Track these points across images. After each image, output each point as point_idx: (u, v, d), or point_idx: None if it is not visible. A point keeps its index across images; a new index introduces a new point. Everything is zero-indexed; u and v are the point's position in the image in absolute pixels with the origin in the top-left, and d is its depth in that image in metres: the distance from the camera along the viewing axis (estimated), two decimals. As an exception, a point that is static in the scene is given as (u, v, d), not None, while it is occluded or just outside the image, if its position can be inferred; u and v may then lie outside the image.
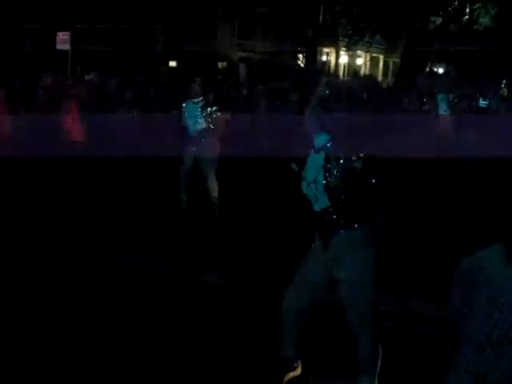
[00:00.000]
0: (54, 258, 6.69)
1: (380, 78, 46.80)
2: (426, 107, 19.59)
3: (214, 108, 8.46)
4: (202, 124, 8.41)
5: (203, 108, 8.41)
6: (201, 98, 8.49)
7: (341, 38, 43.10)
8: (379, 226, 3.91)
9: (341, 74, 46.79)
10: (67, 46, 19.64)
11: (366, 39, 40.77)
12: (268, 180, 10.49)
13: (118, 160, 10.90)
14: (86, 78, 18.87)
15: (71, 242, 7.25)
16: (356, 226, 3.91)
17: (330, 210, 3.91)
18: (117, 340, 4.93)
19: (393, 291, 5.72)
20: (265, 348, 4.69)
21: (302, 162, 4.06)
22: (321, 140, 3.97)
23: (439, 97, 16.85)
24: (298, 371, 4.37)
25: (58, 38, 19.88)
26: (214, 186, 8.61)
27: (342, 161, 3.85)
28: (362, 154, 3.84)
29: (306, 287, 4.13)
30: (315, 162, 3.97)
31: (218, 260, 6.80)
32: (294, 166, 4.10)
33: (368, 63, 51.53)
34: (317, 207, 4.00)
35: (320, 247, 4.05)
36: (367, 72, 47.93)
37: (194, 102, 8.50)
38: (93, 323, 5.18)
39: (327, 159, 3.90)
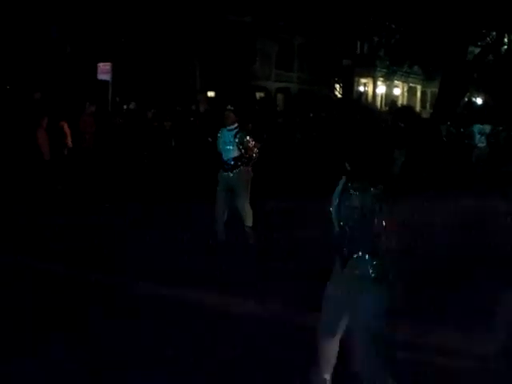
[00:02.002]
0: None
1: (418, 108, 46.72)
2: (463, 138, 19.55)
3: (248, 136, 8.55)
4: (234, 151, 8.53)
5: (236, 136, 8.52)
6: (234, 126, 8.60)
7: (378, 69, 43.24)
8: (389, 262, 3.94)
9: (378, 104, 46.86)
10: (108, 77, 20.05)
11: (404, 69, 40.79)
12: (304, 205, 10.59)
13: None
14: (125, 107, 19.23)
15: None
16: (366, 259, 3.94)
17: (341, 237, 3.98)
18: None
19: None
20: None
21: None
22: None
23: (476, 127, 16.85)
24: None
25: (99, 68, 20.31)
26: (247, 214, 8.65)
27: (357, 195, 3.90)
28: (373, 196, 3.88)
29: (333, 313, 4.14)
30: (337, 188, 4.06)
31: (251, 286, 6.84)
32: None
33: (406, 93, 51.52)
34: (336, 231, 4.07)
35: (339, 270, 4.09)
36: (405, 102, 47.92)
37: (227, 130, 8.63)
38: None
39: (344, 190, 3.97)
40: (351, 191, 3.94)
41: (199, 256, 8.11)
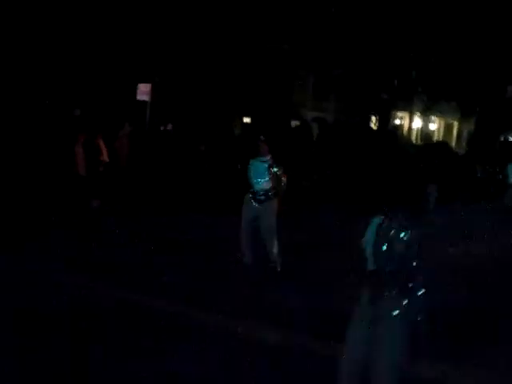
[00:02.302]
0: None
1: (454, 145, 46.46)
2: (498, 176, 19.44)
3: (279, 169, 8.55)
4: (265, 183, 8.52)
5: (269, 168, 8.51)
6: (267, 158, 8.58)
7: (415, 103, 43.16)
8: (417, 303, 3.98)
9: (413, 138, 46.71)
10: (147, 98, 20.34)
11: (441, 105, 40.68)
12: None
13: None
14: (162, 128, 19.50)
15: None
16: (399, 298, 3.98)
17: (377, 274, 4.01)
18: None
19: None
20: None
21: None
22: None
23: (510, 166, 16.73)
24: None
25: (138, 89, 20.62)
26: (273, 244, 8.64)
27: (392, 233, 3.96)
28: (410, 234, 3.94)
29: (357, 351, 4.16)
30: (373, 224, 4.11)
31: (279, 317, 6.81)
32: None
33: (442, 129, 51.29)
34: (369, 266, 4.11)
35: (368, 303, 4.12)
36: (441, 138, 47.68)
37: (260, 161, 8.63)
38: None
39: (379, 227, 4.03)
40: (389, 230, 3.99)
41: (224, 278, 8.16)
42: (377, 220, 4.11)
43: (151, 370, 5.17)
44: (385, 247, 4.00)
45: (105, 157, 13.40)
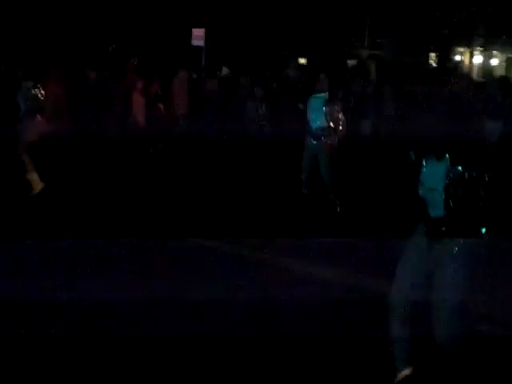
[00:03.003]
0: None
1: (516, 79, 44.98)
2: None
3: (336, 106, 8.48)
4: (321, 121, 8.48)
5: (326, 103, 8.47)
6: (324, 93, 8.55)
7: (475, 38, 41.81)
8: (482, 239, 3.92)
9: (475, 74, 45.43)
10: (202, 43, 20.25)
11: (503, 39, 39.33)
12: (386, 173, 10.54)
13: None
14: (218, 74, 19.38)
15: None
16: (464, 237, 3.92)
17: (444, 219, 3.93)
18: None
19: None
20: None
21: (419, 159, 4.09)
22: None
23: None
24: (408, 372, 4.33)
25: (193, 34, 20.53)
26: (331, 183, 8.68)
27: (463, 175, 3.86)
28: (477, 170, 3.86)
29: (408, 283, 4.14)
30: (436, 169, 3.97)
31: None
32: (412, 155, 4.12)
33: (504, 64, 49.67)
34: (432, 213, 4.01)
35: (425, 246, 4.06)
36: (503, 73, 46.26)
37: (317, 97, 8.59)
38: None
39: (450, 171, 3.91)
40: (456, 171, 3.89)
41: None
42: (433, 161, 4.00)
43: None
44: (455, 189, 3.90)
45: (161, 105, 13.49)
